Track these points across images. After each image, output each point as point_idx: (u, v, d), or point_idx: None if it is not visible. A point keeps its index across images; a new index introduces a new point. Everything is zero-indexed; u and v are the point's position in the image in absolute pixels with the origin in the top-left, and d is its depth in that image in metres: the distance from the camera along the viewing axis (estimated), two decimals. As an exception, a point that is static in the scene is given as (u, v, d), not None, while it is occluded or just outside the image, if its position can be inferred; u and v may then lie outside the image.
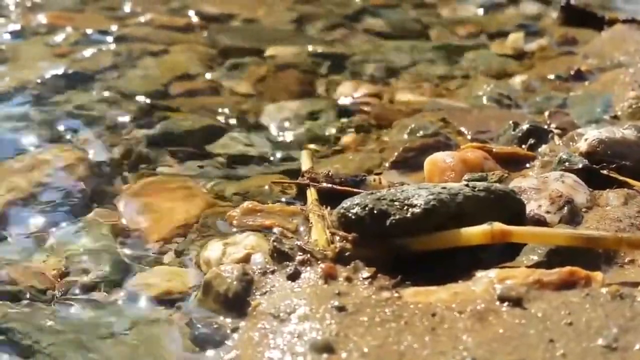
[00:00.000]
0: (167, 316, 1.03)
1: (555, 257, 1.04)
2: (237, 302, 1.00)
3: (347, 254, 1.04)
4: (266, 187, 1.36)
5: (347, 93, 1.85)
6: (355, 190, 1.23)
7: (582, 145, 1.34)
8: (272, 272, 1.04)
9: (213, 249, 1.14)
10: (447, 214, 1.04)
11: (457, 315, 0.92)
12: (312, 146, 1.54)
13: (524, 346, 0.87)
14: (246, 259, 1.09)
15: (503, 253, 1.06)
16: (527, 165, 1.40)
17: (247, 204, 1.26)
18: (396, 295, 0.97)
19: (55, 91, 1.78)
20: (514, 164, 1.39)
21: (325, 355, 0.87)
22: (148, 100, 1.75)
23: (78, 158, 1.44)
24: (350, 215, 1.05)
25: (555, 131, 1.51)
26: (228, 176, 1.42)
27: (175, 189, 1.35)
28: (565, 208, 1.16)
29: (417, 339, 0.89)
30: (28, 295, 1.07)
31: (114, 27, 2.25)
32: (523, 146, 1.46)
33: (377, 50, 2.14)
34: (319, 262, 1.03)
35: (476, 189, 1.08)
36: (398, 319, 0.92)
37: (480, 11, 2.60)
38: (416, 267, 1.02)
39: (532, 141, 1.47)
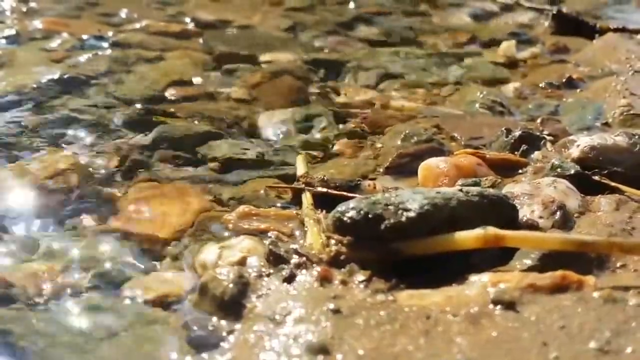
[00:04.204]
0: (163, 319, 1.03)
1: (548, 261, 1.05)
2: (232, 304, 1.00)
3: (342, 257, 1.04)
4: (262, 191, 1.37)
5: (342, 99, 1.86)
6: (350, 194, 1.24)
7: (574, 152, 1.36)
8: (268, 275, 1.05)
9: (209, 252, 1.14)
10: (441, 219, 1.04)
11: (451, 318, 0.93)
12: (306, 152, 1.55)
13: (517, 349, 0.87)
14: (242, 262, 1.09)
15: (496, 257, 1.07)
16: (520, 171, 1.41)
17: (242, 208, 1.26)
18: (391, 298, 0.98)
19: (51, 96, 1.78)
20: (506, 170, 1.40)
21: (320, 358, 0.88)
22: (144, 106, 1.75)
23: (73, 163, 1.45)
24: (345, 219, 1.06)
25: (548, 138, 1.53)
26: (223, 181, 1.43)
27: (170, 194, 1.35)
28: (558, 213, 1.17)
29: (412, 342, 0.90)
30: (23, 298, 1.07)
31: (109, 33, 2.25)
32: (515, 152, 1.48)
33: (371, 57, 2.15)
34: (314, 265, 1.04)
35: (470, 193, 1.09)
36: (393, 322, 0.93)
37: (473, 19, 2.62)
38: (411, 271, 1.02)
39: (525, 148, 1.48)
